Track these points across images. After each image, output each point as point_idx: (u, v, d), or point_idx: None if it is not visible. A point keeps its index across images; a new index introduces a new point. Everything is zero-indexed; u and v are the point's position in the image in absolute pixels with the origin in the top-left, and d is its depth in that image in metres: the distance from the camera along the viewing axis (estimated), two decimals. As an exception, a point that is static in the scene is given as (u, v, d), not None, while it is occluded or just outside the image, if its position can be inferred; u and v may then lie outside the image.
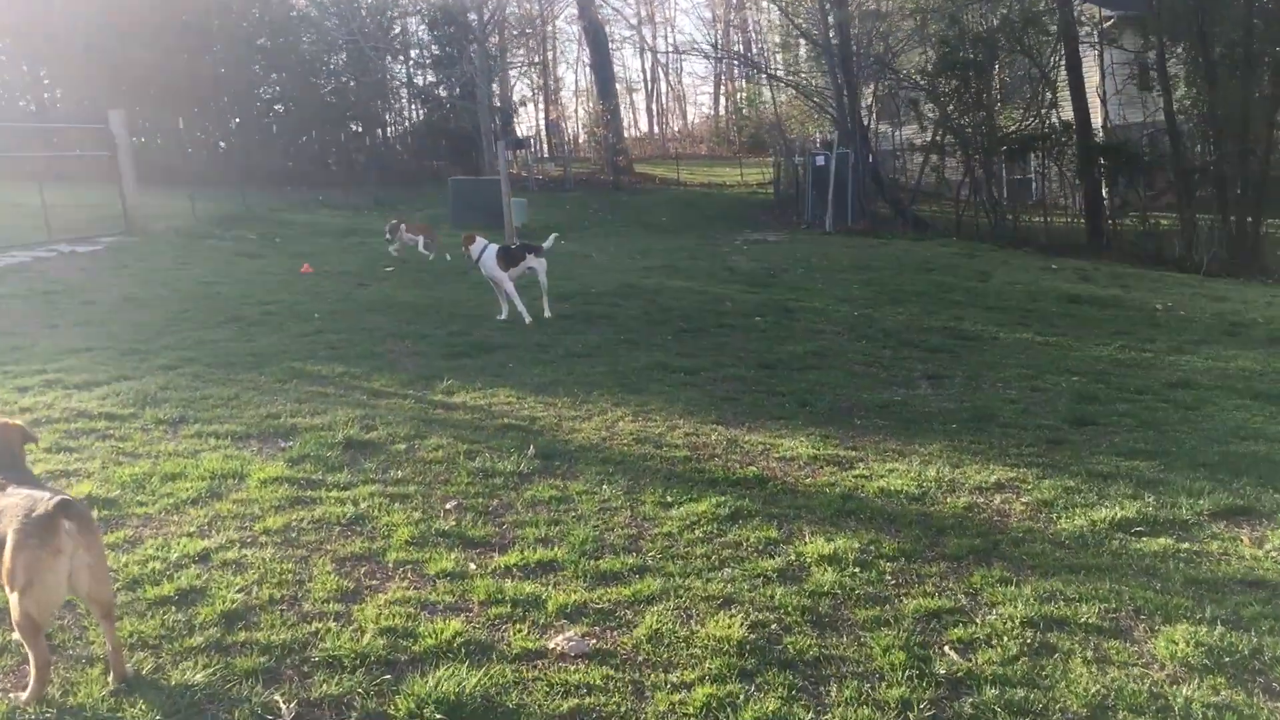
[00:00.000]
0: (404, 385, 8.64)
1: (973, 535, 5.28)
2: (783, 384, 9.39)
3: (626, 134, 55.69)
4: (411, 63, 47.15)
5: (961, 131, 23.83)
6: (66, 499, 3.52)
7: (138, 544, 4.93)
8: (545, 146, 56.48)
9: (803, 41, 39.00)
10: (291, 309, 12.42)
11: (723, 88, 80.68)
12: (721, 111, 79.90)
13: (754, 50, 55.19)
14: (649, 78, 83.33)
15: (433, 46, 43.14)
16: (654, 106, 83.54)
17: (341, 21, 38.32)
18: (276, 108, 44.91)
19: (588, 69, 67.16)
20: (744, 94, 76.60)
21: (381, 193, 34.50)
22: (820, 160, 28.45)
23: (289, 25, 42.43)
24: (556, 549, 4.98)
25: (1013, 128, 24.22)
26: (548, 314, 12.46)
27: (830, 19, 28.02)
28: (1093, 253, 22.06)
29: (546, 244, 13.01)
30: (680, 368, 9.90)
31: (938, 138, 25.25)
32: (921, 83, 25.37)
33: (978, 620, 4.29)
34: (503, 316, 12.21)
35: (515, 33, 37.22)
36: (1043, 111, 23.25)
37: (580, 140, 67.48)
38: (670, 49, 76.75)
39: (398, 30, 44.33)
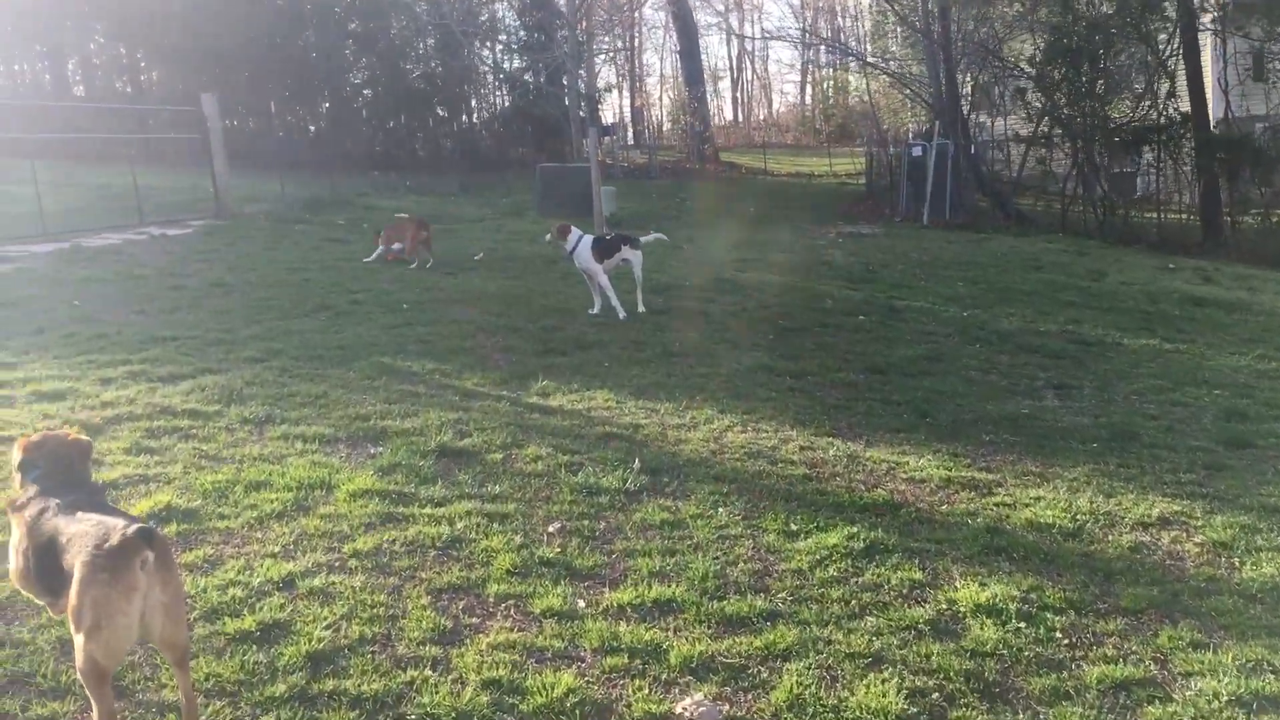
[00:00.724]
0: (497, 385, 8.18)
1: (1147, 584, 4.63)
2: (897, 391, 8.76)
3: (711, 122, 54.84)
4: (499, 48, 46.93)
5: (1070, 122, 22.72)
6: (145, 528, 3.04)
7: (218, 565, 4.51)
8: (630, 134, 55.97)
9: (898, 28, 37.94)
10: (379, 298, 12.07)
11: (809, 76, 79.53)
12: (808, 100, 78.77)
13: (844, 37, 53.96)
14: (734, 65, 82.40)
15: (520, 32, 42.80)
16: (739, 95, 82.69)
17: (431, 6, 38.16)
18: (365, 92, 45.04)
19: (674, 55, 66.57)
20: (831, 82, 75.43)
21: (468, 178, 34.29)
22: (917, 151, 27.48)
23: (379, 9, 42.40)
24: (674, 585, 4.45)
25: (1125, 119, 23.04)
26: (641, 309, 11.94)
27: (931, 4, 27.02)
28: (1210, 252, 20.89)
29: (645, 238, 12.45)
30: (785, 371, 9.33)
31: (1043, 129, 24.15)
32: (1029, 71, 24.26)
33: (1176, 697, 3.66)
34: (594, 311, 11.72)
35: (603, 18, 36.66)
36: (1159, 102, 22.05)
37: (664, 128, 67.01)
38: (760, 35, 75.63)
39: (486, 15, 44.09)
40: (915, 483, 6.07)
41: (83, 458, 3.60)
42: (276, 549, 4.69)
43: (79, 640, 3.01)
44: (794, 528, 5.14)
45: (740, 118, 79.19)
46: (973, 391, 8.92)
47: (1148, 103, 23.15)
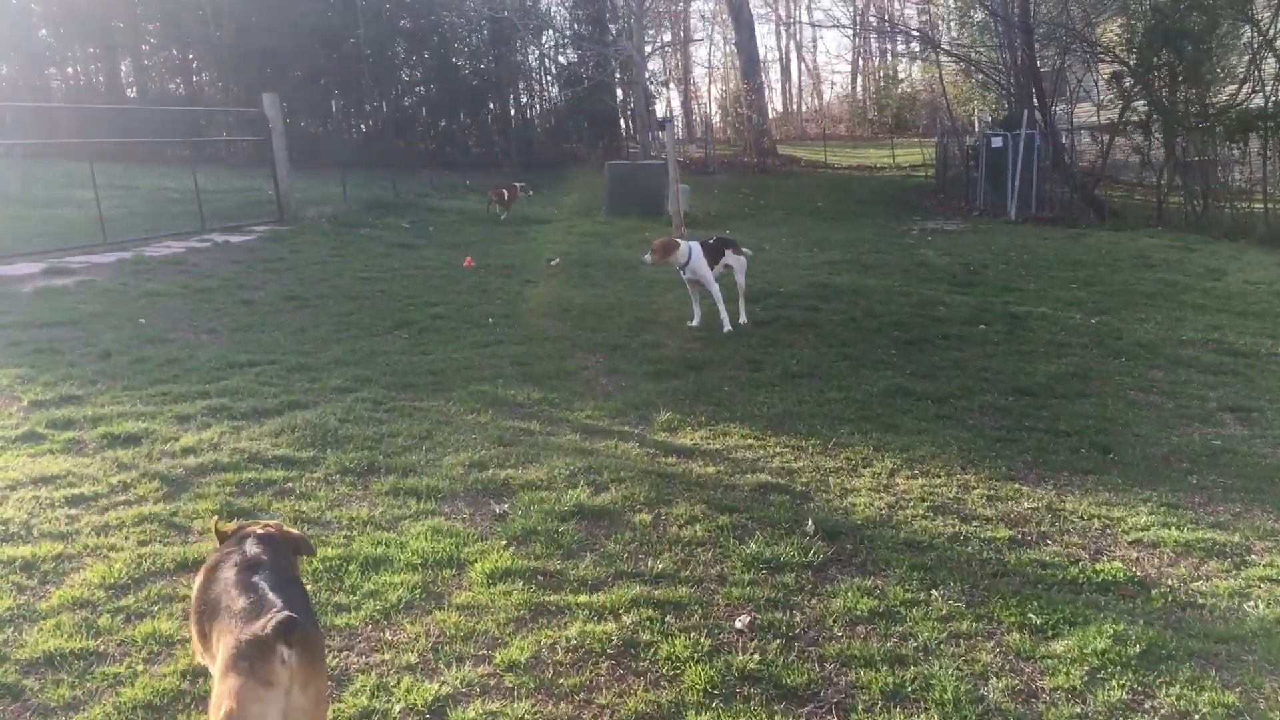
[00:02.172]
0: (614, 417, 7.28)
1: None
2: (1058, 418, 7.74)
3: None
4: (551, 43, 46.12)
5: (1171, 109, 21.39)
6: (291, 618, 2.70)
7: (345, 683, 3.64)
8: (683, 128, 54.95)
9: (973, 11, 36.57)
10: (462, 312, 11.22)
11: (861, 65, 77.98)
12: (859, 91, 77.20)
13: (906, 22, 52.44)
14: (784, 56, 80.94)
15: (574, 25, 41.94)
16: (788, 87, 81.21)
17: (483, 1, 37.39)
18: (418, 89, 44.44)
19: (727, 48, 65.44)
20: (885, 72, 73.92)
21: (526, 176, 33.48)
22: (997, 142, 26.24)
23: (431, 5, 41.77)
24: (921, 714, 3.50)
25: (1227, 103, 21.68)
26: (743, 319, 11.01)
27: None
28: (1327, 246, 19.51)
29: (747, 251, 11.48)
30: (924, 394, 8.34)
31: (1138, 117, 22.83)
32: (1122, 55, 22.95)
33: None
34: (694, 324, 10.80)
35: (661, 8, 35.74)
36: (1266, 86, 20.67)
37: (714, 122, 65.85)
38: (815, 23, 74.23)
39: (540, 8, 43.31)
40: (1146, 548, 5.07)
41: (290, 551, 3.31)
42: (413, 658, 3.81)
43: None
44: (1036, 620, 4.17)
45: (792, 109, 77.77)
46: (1143, 418, 7.88)
47: (1249, 86, 21.73)
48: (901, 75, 71.56)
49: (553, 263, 15.32)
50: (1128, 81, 22.01)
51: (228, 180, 24.99)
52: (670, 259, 10.47)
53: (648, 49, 34.37)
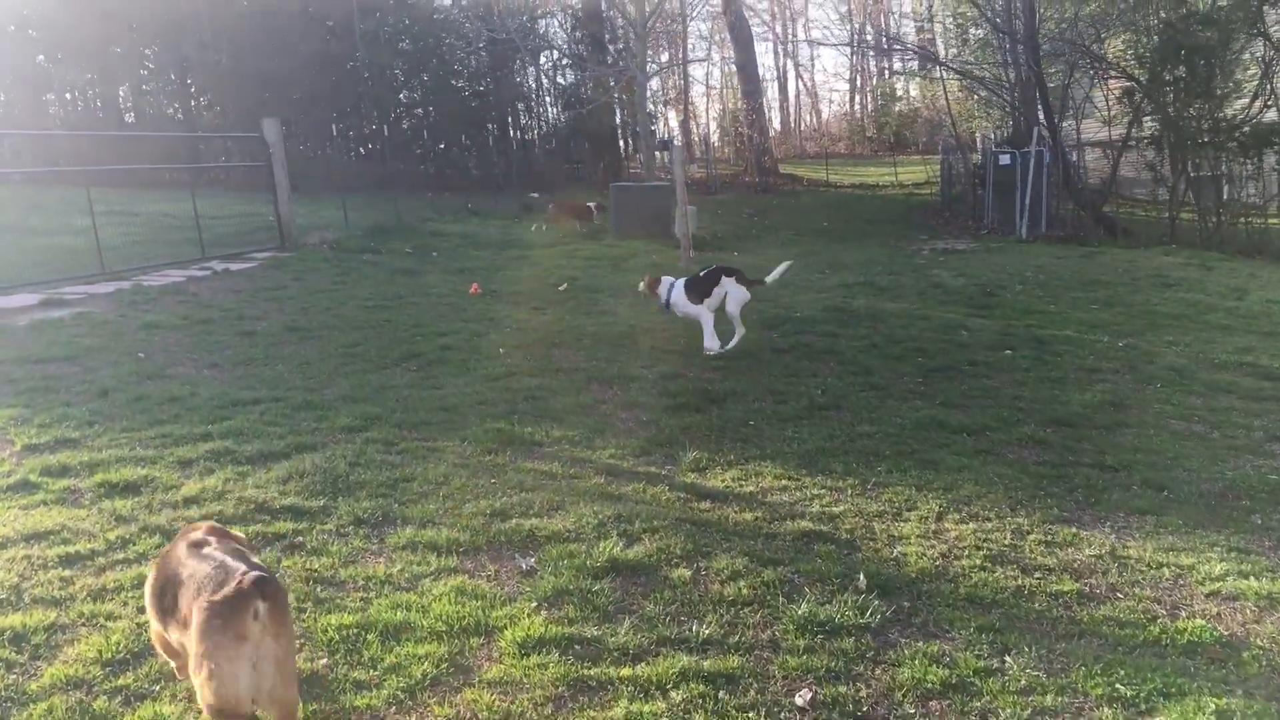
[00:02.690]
0: (638, 456, 6.92)
1: None
2: (1103, 451, 7.39)
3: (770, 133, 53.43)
4: (551, 64, 45.91)
5: (1183, 125, 21.10)
6: (262, 576, 3.05)
7: (370, 779, 3.26)
8: (683, 148, 54.67)
9: (975, 29, 36.37)
10: (471, 342, 10.87)
11: (859, 83, 77.92)
12: (857, 108, 77.10)
13: (899, 40, 52.32)
14: (781, 75, 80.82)
15: (574, 46, 41.71)
16: (786, 105, 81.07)
17: (483, 22, 37.18)
18: (418, 112, 44.19)
19: (725, 67, 65.34)
20: (884, 89, 73.83)
21: (528, 198, 33.19)
22: (1005, 159, 25.96)
23: (430, 28, 41.58)
24: (1016, 811, 3.12)
25: (1238, 118, 21.40)
26: (733, 344, 10.58)
27: (1016, 2, 25.56)
28: (1344, 263, 19.21)
29: (773, 275, 11.04)
30: (958, 426, 7.98)
31: (1149, 132, 22.54)
32: (1133, 71, 22.68)
33: None
34: (713, 350, 10.45)
35: (658, 31, 35.46)
36: (1278, 101, 20.41)
37: (713, 141, 65.57)
38: (815, 40, 74.22)
39: (540, 29, 43.09)
40: (1226, 601, 4.70)
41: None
42: (445, 748, 3.43)
43: (199, 689, 3.04)
44: (1126, 691, 3.79)
45: (791, 127, 77.64)
46: (1190, 450, 7.52)
47: (1261, 101, 21.47)
48: (899, 93, 71.54)
49: (560, 288, 14.98)
50: (1138, 97, 21.70)
51: (227, 205, 24.68)
52: (655, 295, 10.40)
53: (650, 68, 34.10)
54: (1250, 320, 13.56)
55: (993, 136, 39.72)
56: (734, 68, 61.05)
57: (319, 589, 4.64)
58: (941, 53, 33.57)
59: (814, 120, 79.74)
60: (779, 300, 14.16)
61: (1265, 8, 19.62)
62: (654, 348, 10.82)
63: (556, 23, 45.20)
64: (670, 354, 10.52)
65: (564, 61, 45.07)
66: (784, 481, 6.38)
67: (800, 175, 49.51)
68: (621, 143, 44.99)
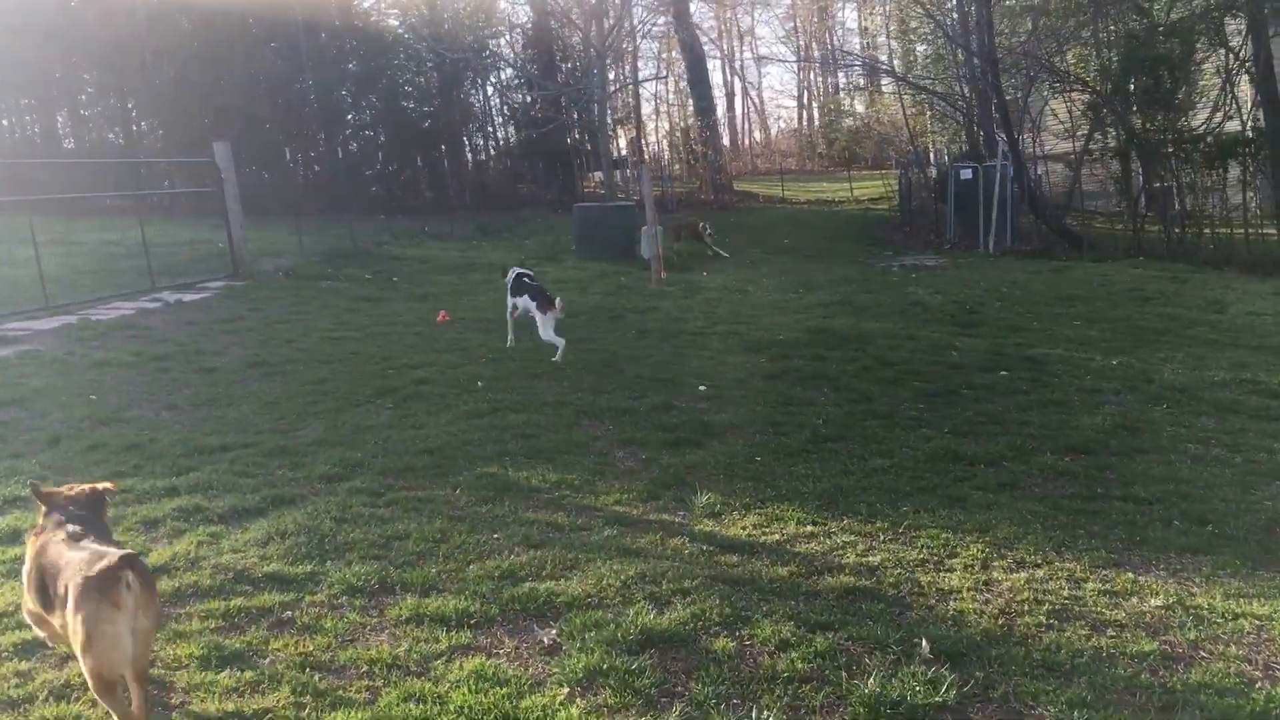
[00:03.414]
0: (646, 501, 6.42)
1: None
2: (1130, 481, 7.02)
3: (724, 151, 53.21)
4: (503, 84, 45.37)
5: (1149, 136, 21.04)
6: (131, 555, 3.47)
7: None
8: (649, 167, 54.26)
9: (920, 44, 36.46)
10: (446, 375, 10.30)
11: (807, 99, 78.29)
12: (805, 125, 77.39)
13: (853, 55, 52.46)
14: (729, 92, 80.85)
15: (527, 65, 41.22)
16: (734, 122, 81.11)
17: (433, 42, 36.58)
18: (367, 133, 43.43)
19: (677, 84, 65.17)
20: (833, 105, 74.21)
21: (483, 219, 32.59)
22: (966, 174, 25.86)
23: (379, 48, 40.89)
24: None
25: (1201, 129, 21.41)
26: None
27: (972, 15, 25.49)
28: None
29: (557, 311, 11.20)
30: (974, 457, 7.58)
31: (1113, 144, 22.50)
32: (1096, 84, 22.62)
33: None
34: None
35: (619, 48, 34.95)
36: (1243, 111, 20.42)
37: (665, 159, 65.29)
38: (765, 56, 74.46)
39: (489, 51, 42.57)
40: (1329, 665, 4.29)
41: (104, 505, 4.22)
42: None
43: (81, 659, 3.42)
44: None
45: (742, 144, 77.69)
46: (1217, 477, 7.17)
47: (1222, 112, 21.50)
48: (846, 108, 71.92)
49: (531, 314, 14.42)
50: (1105, 111, 21.65)
51: (175, 232, 23.85)
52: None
53: (611, 88, 33.71)
54: (1235, 334, 13.36)
55: (946, 151, 39.84)
56: (685, 85, 60.99)
57: (317, 677, 4.08)
58: (897, 67, 33.48)
59: (763, 137, 79.95)
60: (759, 322, 13.75)
61: (1225, 19, 19.61)
62: (639, 376, 10.33)
63: (504, 42, 44.74)
64: (657, 383, 10.03)
65: (515, 81, 44.57)
66: (809, 527, 5.90)
67: (755, 192, 49.38)
68: (577, 161, 44.49)
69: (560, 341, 10.93)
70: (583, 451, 7.64)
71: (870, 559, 5.39)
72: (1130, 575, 5.24)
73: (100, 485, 4.30)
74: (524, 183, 44.07)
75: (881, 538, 5.75)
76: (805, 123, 77.94)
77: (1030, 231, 25.03)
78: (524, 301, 11.38)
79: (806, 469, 7.18)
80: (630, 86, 46.33)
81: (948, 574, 5.21)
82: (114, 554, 3.44)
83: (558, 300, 11.25)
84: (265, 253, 20.52)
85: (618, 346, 11.92)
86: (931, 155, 40.24)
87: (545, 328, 11.04)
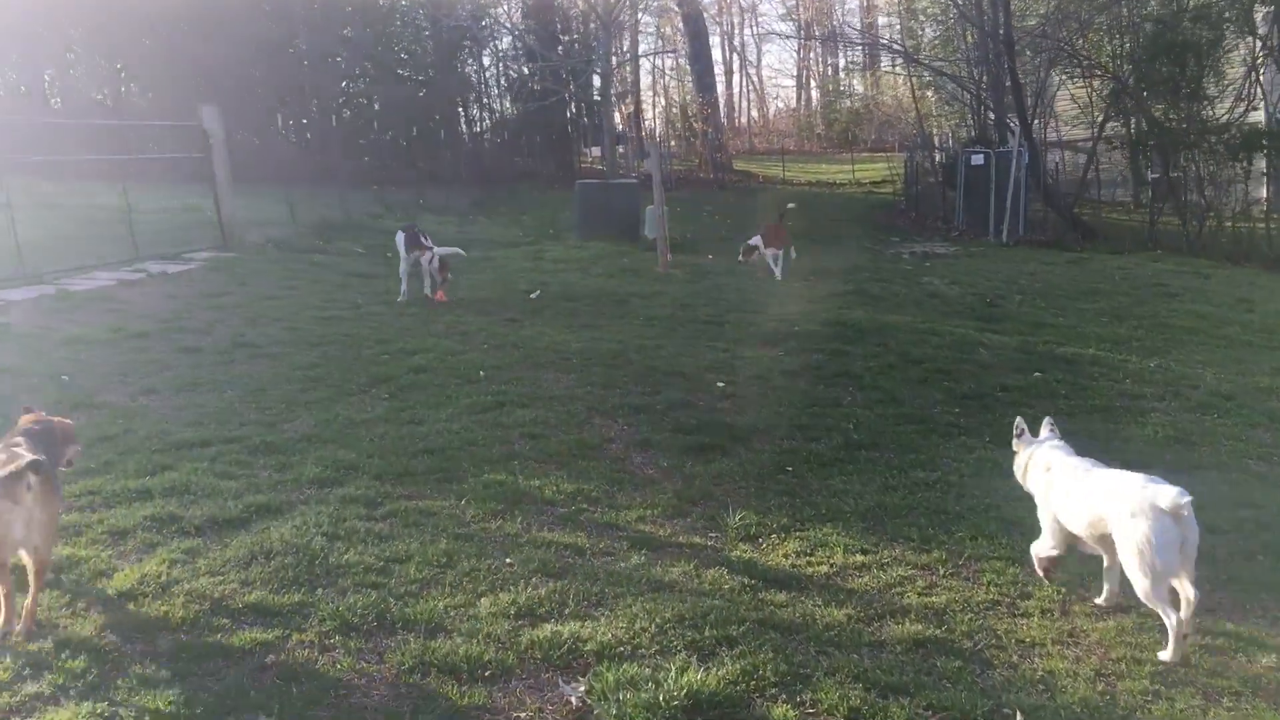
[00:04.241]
0: (672, 518, 5.79)
1: None
2: (1201, 507, 6.36)
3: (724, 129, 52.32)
4: (502, 54, 44.43)
5: (1172, 126, 20.37)
6: (37, 460, 4.08)
7: None
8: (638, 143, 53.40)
9: (929, 25, 35.68)
10: (446, 361, 9.63)
11: (806, 79, 77.35)
12: (804, 104, 76.43)
13: (867, 34, 51.56)
14: (727, 70, 79.78)
15: (527, 36, 40.25)
16: (732, 101, 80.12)
17: (431, 9, 35.65)
18: (361, 101, 42.47)
19: (675, 60, 64.13)
20: (835, 85, 73.39)
21: (479, 193, 31.79)
22: (978, 159, 25.15)
23: (376, 14, 39.89)
24: None
25: (1225, 119, 20.74)
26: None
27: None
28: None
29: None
30: (1023, 471, 6.93)
31: (1131, 133, 21.84)
32: (1117, 69, 21.93)
33: None
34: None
35: (620, 21, 34.02)
36: (1273, 102, 19.76)
37: (659, 135, 64.34)
38: (771, 32, 73.49)
39: (488, 20, 41.60)
40: None
41: (62, 440, 4.85)
42: None
43: None
44: None
45: (738, 123, 76.71)
46: (1286, 500, 6.57)
47: (1245, 103, 20.85)
48: (844, 89, 71.11)
49: (532, 295, 13.76)
50: (1125, 99, 20.96)
51: (161, 198, 22.97)
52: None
53: (614, 62, 32.88)
54: (1270, 335, 12.79)
55: (951, 135, 39.12)
56: (683, 61, 60.07)
57: (309, 745, 3.43)
58: (907, 47, 32.70)
59: (760, 116, 78.97)
60: (771, 312, 13.10)
61: (1256, 5, 18.93)
62: (651, 368, 9.68)
63: (504, 11, 43.73)
64: (671, 377, 9.38)
65: (514, 52, 43.63)
66: (858, 556, 5.27)
67: (754, 172, 48.62)
68: (574, 137, 43.72)
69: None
70: (597, 455, 6.99)
71: (934, 599, 4.76)
72: (1229, 625, 4.63)
73: (56, 419, 4.98)
74: (520, 156, 43.19)
75: (941, 571, 5.13)
76: (803, 103, 76.98)
77: (1042, 221, 24.41)
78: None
79: (844, 483, 6.54)
80: (630, 62, 45.39)
81: (1024, 620, 4.59)
82: (25, 459, 4.07)
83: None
84: (254, 222, 19.71)
85: (625, 335, 11.25)
86: (936, 139, 39.53)
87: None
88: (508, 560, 5.00)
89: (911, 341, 11.39)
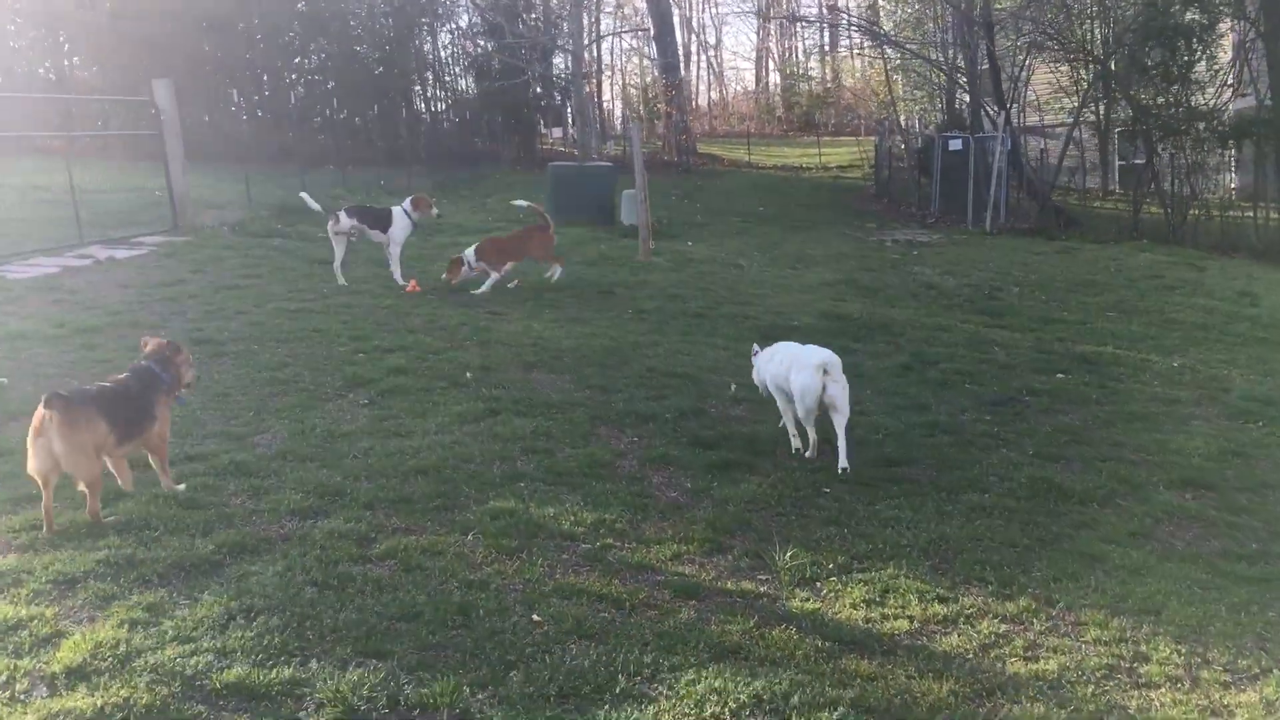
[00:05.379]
0: (711, 555, 5.07)
1: None
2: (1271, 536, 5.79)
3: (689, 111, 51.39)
4: (460, 31, 43.23)
5: (1160, 112, 19.88)
6: (54, 394, 4.72)
7: None
8: (600, 125, 52.42)
9: (901, 6, 35.05)
10: (427, 362, 8.78)
11: (768, 60, 76.71)
12: (763, 88, 75.74)
13: (838, 13, 50.75)
14: (685, 52, 78.75)
15: (489, 13, 39.08)
16: (692, 83, 79.18)
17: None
18: (315, 78, 41.10)
19: (634, 41, 63.14)
20: (791, 68, 72.91)
21: (440, 175, 30.73)
22: (955, 144, 24.64)
23: (331, -15, 38.52)
24: None
25: (1212, 105, 20.30)
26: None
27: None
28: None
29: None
30: (1080, 493, 6.40)
31: (1101, 119, 21.34)
32: (1102, 54, 21.39)
33: None
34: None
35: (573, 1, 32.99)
36: (1260, 90, 19.33)
37: (618, 117, 63.23)
38: (734, 11, 72.71)
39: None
40: None
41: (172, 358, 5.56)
42: None
43: None
44: None
45: (697, 105, 75.87)
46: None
47: (1233, 89, 20.42)
48: (802, 72, 70.64)
49: (512, 285, 12.91)
50: (1111, 84, 20.44)
51: (109, 178, 21.85)
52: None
53: (586, 40, 31.90)
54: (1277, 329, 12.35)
55: (918, 120, 38.63)
56: (639, 41, 59.20)
57: None
58: (875, 28, 32.01)
59: (720, 99, 78.16)
60: (764, 303, 12.40)
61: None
62: (651, 370, 8.93)
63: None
64: (675, 379, 8.65)
65: (475, 29, 42.46)
66: (936, 605, 4.56)
67: (719, 155, 47.89)
68: (536, 118, 42.70)
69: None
70: (611, 475, 6.23)
71: (1042, 665, 4.06)
72: (1382, 693, 3.97)
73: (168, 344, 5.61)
74: (480, 137, 42.03)
75: (1036, 625, 4.43)
76: (763, 86, 76.30)
77: (1021, 209, 23.92)
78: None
79: (892, 509, 5.85)
80: (594, 42, 44.40)
81: (1152, 692, 3.91)
82: (48, 393, 4.68)
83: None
84: (208, 204, 18.65)
85: (617, 331, 10.47)
86: (902, 123, 38.98)
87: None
88: (534, 617, 4.23)
89: (920, 339, 10.75)
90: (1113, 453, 7.22)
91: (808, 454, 6.64)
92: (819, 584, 4.77)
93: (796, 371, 6.51)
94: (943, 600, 4.61)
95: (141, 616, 4.09)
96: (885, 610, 4.49)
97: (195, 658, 3.78)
